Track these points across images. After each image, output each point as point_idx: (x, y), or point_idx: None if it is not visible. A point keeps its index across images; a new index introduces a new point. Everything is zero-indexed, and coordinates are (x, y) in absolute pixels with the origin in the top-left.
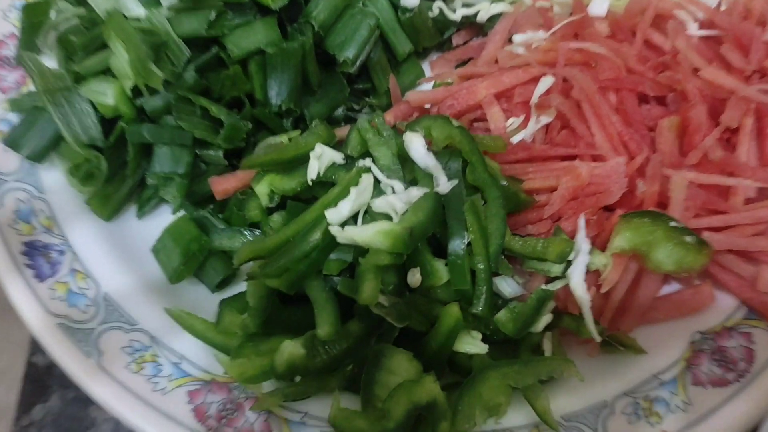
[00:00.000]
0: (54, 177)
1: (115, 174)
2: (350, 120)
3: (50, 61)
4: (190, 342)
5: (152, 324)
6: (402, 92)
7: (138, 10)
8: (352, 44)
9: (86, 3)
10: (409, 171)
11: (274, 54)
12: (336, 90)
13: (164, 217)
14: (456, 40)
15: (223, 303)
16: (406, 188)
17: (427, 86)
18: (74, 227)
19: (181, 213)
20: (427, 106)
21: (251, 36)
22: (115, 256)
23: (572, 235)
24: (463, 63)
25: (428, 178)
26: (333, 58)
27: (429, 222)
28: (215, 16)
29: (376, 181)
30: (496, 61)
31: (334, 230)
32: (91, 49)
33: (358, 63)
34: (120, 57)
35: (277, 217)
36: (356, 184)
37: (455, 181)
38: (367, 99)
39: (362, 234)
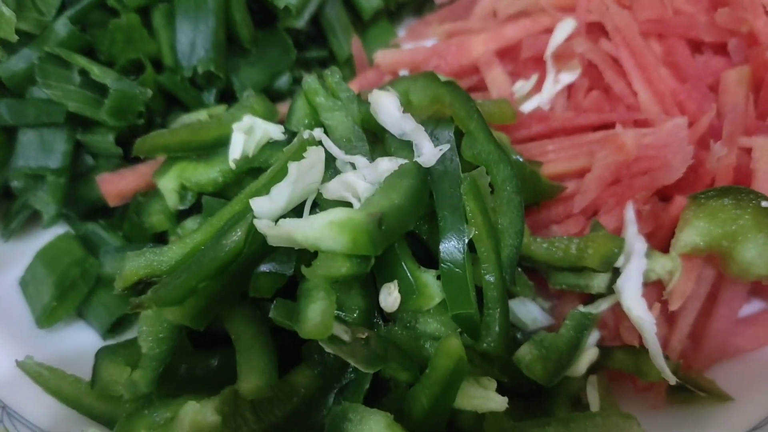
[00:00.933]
0: None
1: None
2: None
3: None
4: (56, 411)
5: (4, 386)
6: (369, 60)
7: None
8: None
9: None
10: (379, 150)
11: None
12: (277, 51)
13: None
14: None
15: (103, 353)
16: (369, 160)
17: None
18: None
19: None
20: (404, 72)
21: None
22: None
23: (616, 234)
24: None
25: (406, 148)
26: (274, 13)
27: (408, 208)
28: None
29: (330, 158)
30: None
31: (263, 225)
32: None
33: (306, 15)
34: None
35: (190, 224)
36: (299, 160)
37: (446, 147)
38: (323, 66)
39: (305, 228)
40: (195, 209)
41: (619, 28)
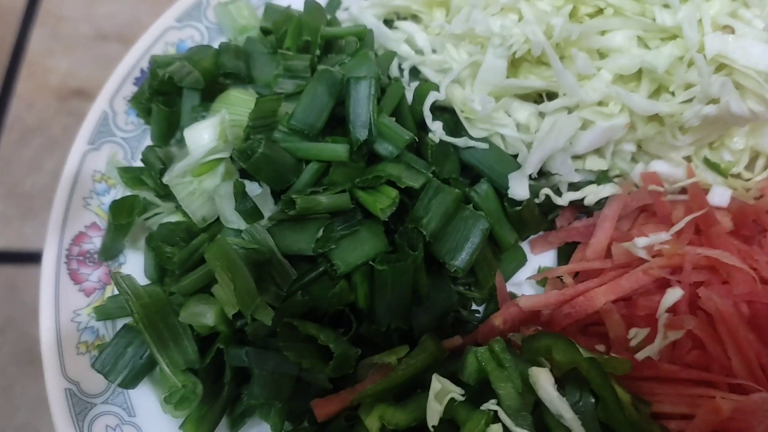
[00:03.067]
0: (143, 396)
1: (209, 393)
2: (457, 323)
3: (134, 255)
4: None
5: None
6: (505, 278)
7: (239, 223)
8: (464, 251)
9: (172, 197)
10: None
11: (384, 272)
12: (444, 297)
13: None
14: (560, 221)
15: None
16: None
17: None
18: None
19: None
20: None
21: (358, 248)
22: None
23: None
24: (568, 244)
25: (563, 430)
26: (439, 261)
27: None
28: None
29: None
30: (609, 247)
31: None
32: (189, 265)
33: (468, 268)
34: (226, 287)
35: None
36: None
37: None
38: (469, 290)
39: None
40: None
41: (719, 309)
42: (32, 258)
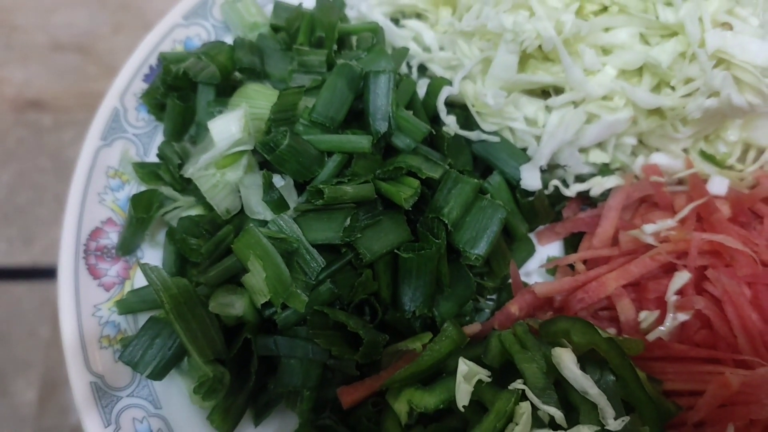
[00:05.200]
0: (168, 388)
1: (234, 383)
2: (473, 311)
3: (151, 250)
4: None
5: None
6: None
7: (264, 214)
8: (483, 240)
9: (190, 191)
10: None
11: (409, 259)
12: (464, 286)
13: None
14: (566, 212)
15: None
16: (563, 414)
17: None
18: None
19: None
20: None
21: (382, 237)
22: None
23: None
24: (574, 235)
25: (588, 405)
26: (457, 250)
27: None
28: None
29: (533, 409)
30: (614, 236)
31: None
32: (215, 256)
33: (484, 258)
34: (257, 275)
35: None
36: (511, 412)
37: (626, 420)
38: (482, 279)
39: None
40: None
41: (727, 290)
42: None
